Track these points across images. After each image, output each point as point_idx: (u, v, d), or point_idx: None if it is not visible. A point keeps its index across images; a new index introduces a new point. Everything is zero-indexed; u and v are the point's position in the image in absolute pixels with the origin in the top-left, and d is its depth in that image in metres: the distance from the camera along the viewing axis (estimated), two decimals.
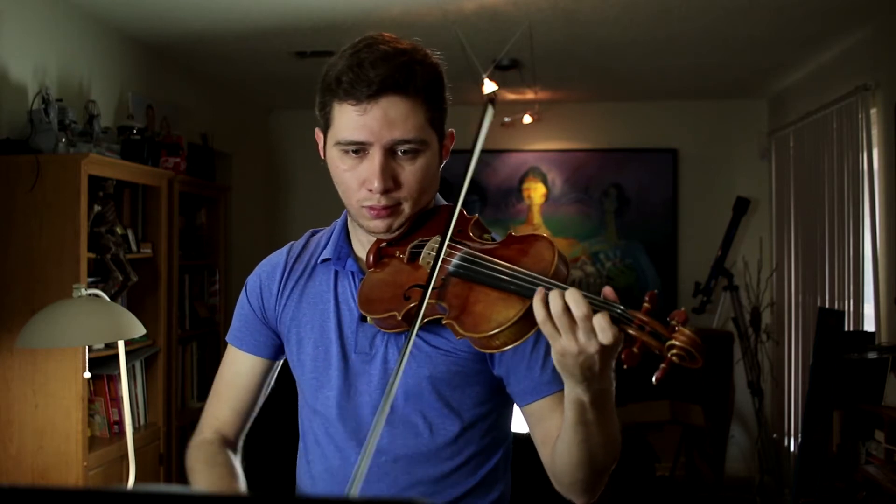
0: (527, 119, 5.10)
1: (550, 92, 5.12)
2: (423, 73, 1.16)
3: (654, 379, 0.93)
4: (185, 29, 3.73)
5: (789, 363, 4.64)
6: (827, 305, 3.99)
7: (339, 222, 1.34)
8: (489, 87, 3.95)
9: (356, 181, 1.18)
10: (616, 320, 0.95)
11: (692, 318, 5.09)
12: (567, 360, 0.98)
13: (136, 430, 3.16)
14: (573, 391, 1.02)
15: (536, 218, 5.58)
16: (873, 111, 3.67)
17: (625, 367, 0.95)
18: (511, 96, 5.12)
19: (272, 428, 1.77)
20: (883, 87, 3.58)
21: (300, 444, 1.36)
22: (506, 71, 4.31)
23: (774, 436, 4.86)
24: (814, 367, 3.35)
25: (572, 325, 0.95)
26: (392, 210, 1.18)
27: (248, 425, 1.41)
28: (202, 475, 1.27)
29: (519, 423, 1.31)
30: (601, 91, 5.25)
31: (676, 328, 0.93)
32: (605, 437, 1.08)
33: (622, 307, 0.96)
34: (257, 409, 1.41)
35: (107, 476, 2.96)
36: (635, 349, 0.94)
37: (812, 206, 4.32)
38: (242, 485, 1.30)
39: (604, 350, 0.96)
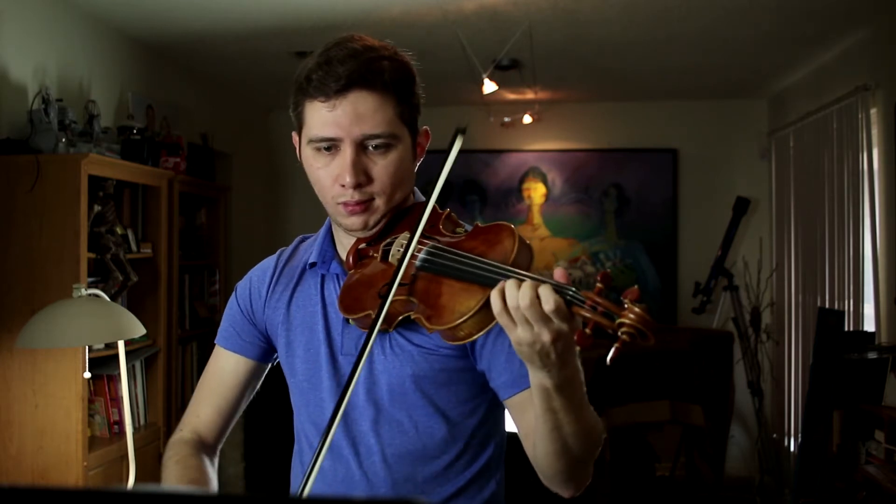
0: (527, 119, 5.10)
1: (550, 92, 5.12)
2: (392, 69, 1.18)
3: (607, 359, 0.93)
4: (185, 29, 3.73)
5: (789, 363, 4.64)
6: (827, 305, 3.99)
7: (324, 227, 1.36)
8: (489, 87, 3.96)
9: (330, 178, 1.19)
10: (568, 303, 0.96)
11: (693, 318, 5.11)
12: (523, 349, 0.98)
13: (136, 430, 3.16)
14: (536, 377, 1.03)
15: (536, 218, 5.58)
16: (873, 111, 3.67)
17: (578, 348, 0.96)
18: (511, 96, 5.12)
19: (271, 428, 1.78)
20: (883, 87, 3.59)
21: (295, 446, 1.37)
22: (506, 71, 4.31)
23: (774, 436, 4.86)
24: (814, 367, 3.35)
25: (523, 315, 0.96)
26: (366, 206, 1.20)
27: (229, 429, 1.41)
28: (172, 474, 1.28)
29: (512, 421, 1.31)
30: (601, 91, 5.25)
31: (626, 306, 0.92)
32: (576, 426, 1.07)
33: (573, 289, 0.96)
34: (240, 411, 1.41)
35: (107, 476, 2.96)
36: (588, 330, 0.94)
37: (812, 206, 4.32)
38: (213, 490, 1.29)
39: (556, 336, 0.96)
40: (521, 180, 5.59)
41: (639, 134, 5.48)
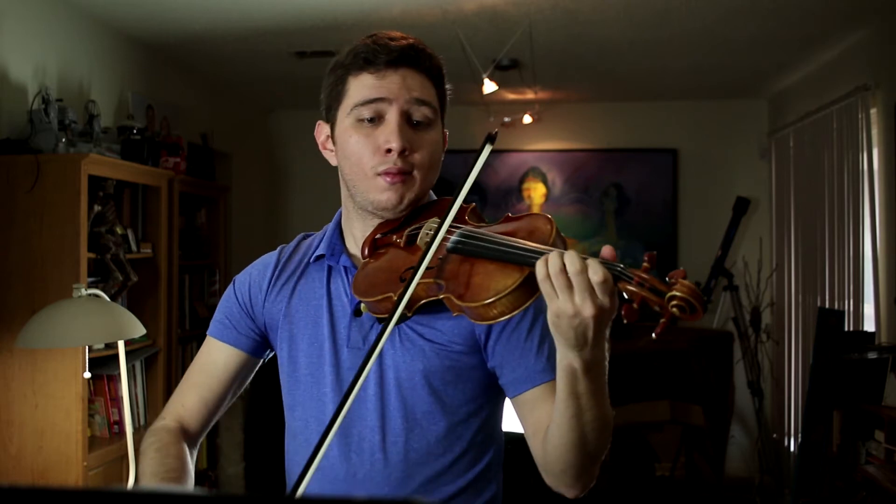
0: (527, 119, 5.10)
1: (550, 92, 5.12)
2: (434, 59, 1.25)
3: (653, 334, 0.93)
4: (185, 29, 3.73)
5: (789, 363, 4.64)
6: (827, 305, 3.99)
7: (333, 221, 1.36)
8: (489, 87, 3.96)
9: (371, 147, 1.20)
10: (616, 278, 0.96)
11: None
12: (562, 322, 0.98)
13: (136, 430, 3.15)
14: (566, 357, 1.02)
15: None
16: (873, 111, 3.67)
17: (624, 321, 0.95)
18: (511, 96, 5.12)
19: (271, 428, 1.77)
20: (883, 87, 3.59)
21: (291, 445, 1.34)
22: (506, 71, 4.31)
23: (774, 436, 4.86)
24: (814, 367, 3.35)
25: (568, 283, 0.96)
26: (406, 177, 1.21)
27: (213, 421, 1.38)
28: (150, 462, 1.25)
29: (512, 423, 1.30)
30: (601, 91, 5.25)
31: (677, 281, 0.94)
32: (596, 414, 1.06)
33: (622, 265, 0.97)
34: (226, 405, 1.39)
35: (107, 476, 2.96)
36: (635, 305, 0.95)
37: (812, 206, 4.32)
38: (189, 482, 1.26)
39: (600, 313, 0.96)
40: (521, 180, 5.60)
41: (639, 134, 5.48)
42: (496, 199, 5.59)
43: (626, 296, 0.97)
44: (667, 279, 0.95)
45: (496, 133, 1.10)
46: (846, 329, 3.53)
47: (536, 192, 5.58)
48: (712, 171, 5.41)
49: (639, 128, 5.49)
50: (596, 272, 0.95)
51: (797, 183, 4.60)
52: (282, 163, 5.68)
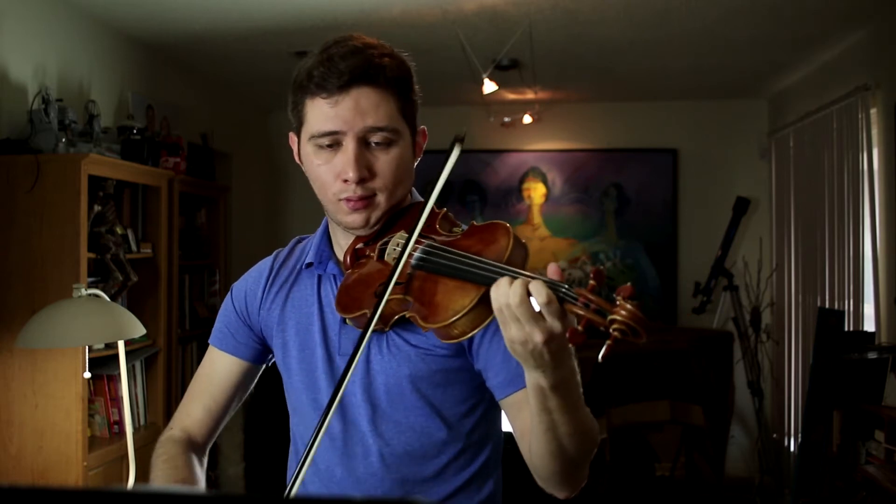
0: (527, 119, 5.10)
1: (550, 92, 5.12)
2: (392, 66, 1.19)
3: (599, 356, 0.91)
4: (185, 29, 3.73)
5: (789, 363, 4.64)
6: (827, 305, 3.99)
7: (321, 228, 1.35)
8: (489, 87, 3.96)
9: (331, 174, 1.19)
10: (560, 300, 0.94)
11: (693, 318, 5.11)
12: (517, 348, 0.97)
13: (136, 430, 3.16)
14: (531, 377, 1.02)
15: (536, 218, 5.58)
16: (873, 111, 3.67)
17: (570, 345, 0.94)
18: (511, 96, 5.12)
19: (271, 428, 1.77)
20: (883, 87, 3.59)
21: (290, 448, 1.36)
22: (506, 71, 4.31)
23: (774, 436, 4.86)
24: (814, 367, 3.35)
25: (514, 315, 0.95)
26: (368, 202, 1.19)
27: (219, 429, 1.40)
28: (160, 474, 1.27)
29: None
30: (601, 91, 5.25)
31: (618, 303, 0.91)
32: (572, 428, 1.06)
33: (566, 286, 0.95)
34: (230, 413, 1.41)
35: (107, 476, 2.96)
36: (580, 327, 0.93)
37: (812, 206, 4.32)
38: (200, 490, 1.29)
39: (548, 336, 0.95)
40: (521, 180, 5.59)
41: (639, 134, 5.48)
42: (496, 199, 5.59)
43: (572, 318, 0.95)
44: (613, 297, 0.92)
45: (464, 134, 1.07)
46: (846, 329, 3.53)
47: (536, 192, 5.58)
48: (712, 171, 5.41)
49: (639, 128, 5.49)
50: (539, 293, 0.94)
51: (797, 183, 4.60)
52: (282, 163, 5.68)
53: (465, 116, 5.33)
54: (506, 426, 1.37)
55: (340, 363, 1.26)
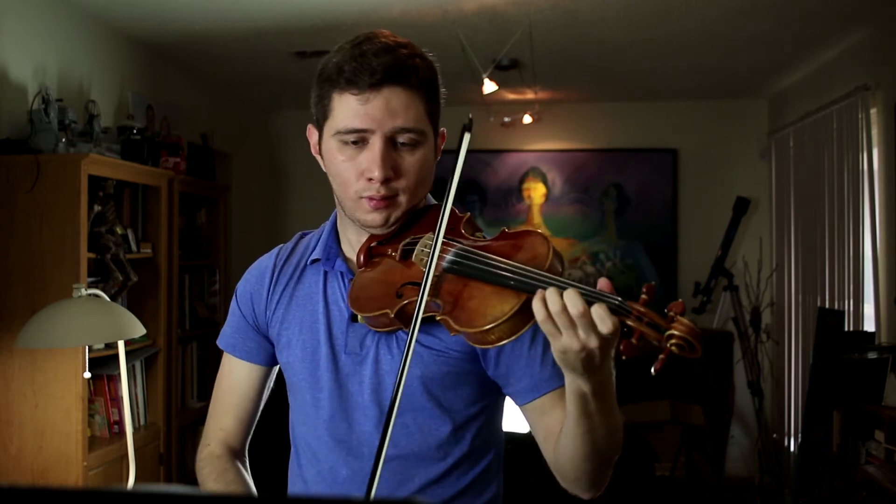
0: (527, 119, 5.10)
1: (550, 92, 5.12)
2: (423, 67, 1.18)
3: (652, 370, 0.93)
4: (185, 29, 3.73)
5: (789, 363, 4.64)
6: (827, 305, 3.99)
7: (328, 223, 1.34)
8: (489, 87, 3.96)
9: (355, 172, 1.18)
10: (614, 311, 0.95)
11: (692, 318, 5.11)
12: (569, 357, 0.97)
13: (136, 430, 3.16)
14: (575, 383, 1.02)
15: (536, 218, 5.58)
16: (873, 111, 3.67)
17: (623, 357, 0.95)
18: (511, 96, 5.12)
19: (271, 429, 1.77)
20: (883, 87, 3.58)
21: (291, 449, 1.36)
22: (506, 71, 4.31)
23: (774, 436, 4.86)
24: (814, 367, 3.35)
25: (571, 322, 0.95)
26: (390, 201, 1.18)
27: (252, 430, 1.41)
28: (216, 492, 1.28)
29: (513, 424, 1.30)
30: (601, 91, 5.25)
31: (675, 318, 0.92)
32: (607, 428, 1.07)
33: (620, 298, 0.96)
34: (259, 413, 1.41)
35: (107, 476, 2.96)
36: (634, 340, 0.94)
37: (812, 206, 4.32)
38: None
39: (604, 343, 0.95)
40: (521, 180, 5.59)
41: (639, 134, 5.48)
42: (496, 199, 5.59)
43: (624, 329, 0.95)
44: (665, 312, 0.93)
45: (471, 120, 1.07)
46: (846, 329, 3.53)
47: (536, 192, 5.59)
48: (712, 171, 5.41)
49: (639, 128, 5.49)
50: (597, 308, 0.94)
51: (797, 183, 4.60)
52: (282, 163, 5.68)
53: (464, 116, 5.32)
54: (506, 427, 1.37)
55: (346, 361, 1.25)
